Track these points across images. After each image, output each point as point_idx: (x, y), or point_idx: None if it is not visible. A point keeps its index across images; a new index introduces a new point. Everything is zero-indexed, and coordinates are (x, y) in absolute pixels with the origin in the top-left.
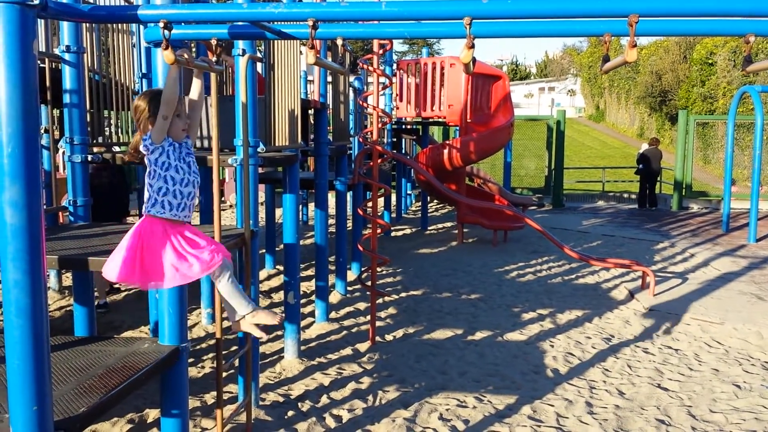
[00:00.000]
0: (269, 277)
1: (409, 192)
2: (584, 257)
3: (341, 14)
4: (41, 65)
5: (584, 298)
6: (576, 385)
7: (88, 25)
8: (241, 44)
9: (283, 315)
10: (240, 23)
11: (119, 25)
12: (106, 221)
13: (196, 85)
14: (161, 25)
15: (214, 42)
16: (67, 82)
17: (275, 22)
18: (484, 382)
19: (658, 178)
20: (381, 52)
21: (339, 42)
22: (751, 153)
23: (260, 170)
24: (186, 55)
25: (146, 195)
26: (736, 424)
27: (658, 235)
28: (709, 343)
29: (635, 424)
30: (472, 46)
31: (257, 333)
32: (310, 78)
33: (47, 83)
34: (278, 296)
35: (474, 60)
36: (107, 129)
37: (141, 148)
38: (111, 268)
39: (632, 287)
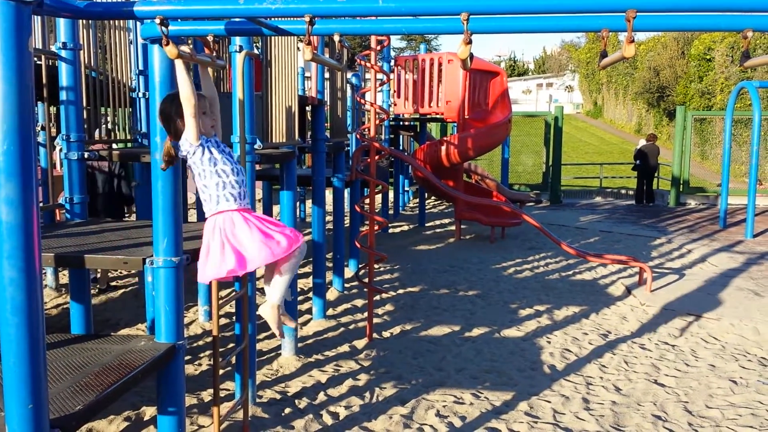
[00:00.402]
0: None
1: (406, 189)
2: (581, 253)
3: (338, 10)
4: (38, 62)
5: (581, 294)
6: (573, 381)
7: (84, 21)
8: (238, 40)
9: (286, 328)
10: (237, 19)
11: (116, 21)
12: (107, 215)
13: (206, 81)
14: (157, 21)
15: (210, 38)
16: (64, 79)
17: (272, 18)
18: (481, 379)
19: (656, 174)
20: (378, 48)
21: (336, 38)
22: (748, 149)
23: (257, 167)
24: (188, 50)
25: (205, 197)
26: (732, 419)
27: (656, 231)
28: (706, 339)
29: (632, 420)
30: (470, 42)
31: (272, 324)
32: (307, 74)
33: (44, 80)
34: None
35: (471, 56)
36: (104, 126)
37: (181, 154)
38: (209, 273)
39: (629, 283)
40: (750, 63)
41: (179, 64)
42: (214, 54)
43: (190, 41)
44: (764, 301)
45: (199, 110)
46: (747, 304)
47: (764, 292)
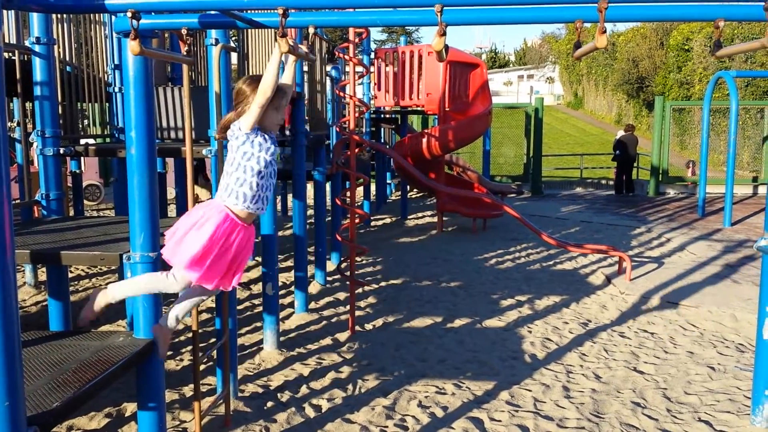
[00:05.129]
0: (248, 269)
1: (388, 181)
2: (562, 244)
3: (312, 2)
4: (11, 57)
5: (562, 284)
6: (553, 370)
7: (58, 16)
8: (213, 33)
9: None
10: (211, 12)
11: (90, 15)
12: None
13: (289, 73)
14: (129, 15)
15: (184, 31)
16: (38, 75)
17: (246, 11)
18: (463, 369)
19: (635, 164)
20: (357, 40)
21: (311, 30)
22: (726, 138)
23: None
24: (291, 42)
25: (222, 184)
26: (710, 405)
27: (635, 221)
28: (684, 326)
29: (611, 407)
30: (444, 34)
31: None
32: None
33: (17, 75)
34: (257, 287)
35: (446, 47)
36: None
37: (229, 132)
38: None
39: (609, 272)
40: (722, 53)
41: (275, 58)
42: (187, 47)
43: (167, 35)
44: (742, 288)
45: (273, 105)
46: (725, 291)
47: (742, 279)
